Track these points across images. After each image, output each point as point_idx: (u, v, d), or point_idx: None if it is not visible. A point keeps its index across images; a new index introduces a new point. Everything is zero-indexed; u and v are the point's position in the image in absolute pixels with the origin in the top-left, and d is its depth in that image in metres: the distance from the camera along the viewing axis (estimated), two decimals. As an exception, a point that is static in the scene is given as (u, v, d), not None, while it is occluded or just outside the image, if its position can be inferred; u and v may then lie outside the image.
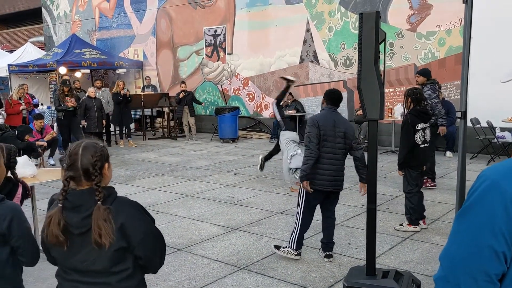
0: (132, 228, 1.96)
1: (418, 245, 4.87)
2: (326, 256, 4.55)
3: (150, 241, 2.03)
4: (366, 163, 3.33)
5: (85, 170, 1.95)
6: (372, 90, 2.86)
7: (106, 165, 2.02)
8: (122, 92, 11.76)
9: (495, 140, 8.81)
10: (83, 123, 10.88)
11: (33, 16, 24.09)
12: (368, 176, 3.00)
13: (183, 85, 12.72)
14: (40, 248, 2.61)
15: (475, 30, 9.99)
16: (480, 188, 1.22)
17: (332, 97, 4.49)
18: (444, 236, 5.09)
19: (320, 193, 4.39)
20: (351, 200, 6.59)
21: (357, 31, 10.52)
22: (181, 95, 12.53)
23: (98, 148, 1.99)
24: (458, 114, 2.72)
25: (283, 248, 4.56)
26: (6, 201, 2.29)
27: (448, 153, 9.74)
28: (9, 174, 3.09)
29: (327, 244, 4.58)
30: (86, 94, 11.31)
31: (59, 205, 1.96)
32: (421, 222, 5.36)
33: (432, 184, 7.25)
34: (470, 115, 9.26)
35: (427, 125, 5.37)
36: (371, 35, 2.83)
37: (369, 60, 2.85)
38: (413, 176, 5.28)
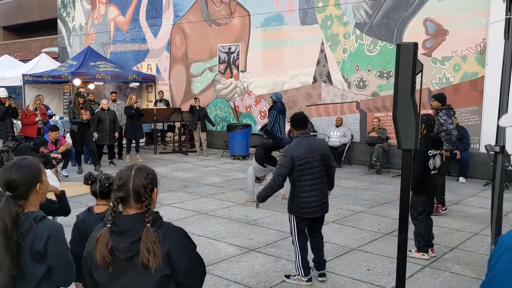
0: (179, 255, 1.96)
1: (438, 273, 4.82)
2: (320, 275, 4.64)
3: (194, 269, 2.03)
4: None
5: (136, 191, 1.97)
6: (408, 120, 2.87)
7: (155, 189, 2.04)
8: (135, 105, 11.82)
9: (510, 167, 8.76)
10: (95, 135, 10.92)
11: (47, 27, 24.40)
12: (401, 206, 2.99)
13: (195, 99, 12.96)
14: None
15: (494, 58, 10.03)
16: (502, 260, 1.21)
17: (299, 122, 4.56)
18: (463, 265, 5.05)
19: (310, 219, 4.52)
20: (366, 224, 6.56)
21: (371, 54, 10.57)
22: (193, 102, 12.73)
23: (150, 172, 2.03)
24: (497, 149, 2.73)
25: (293, 276, 4.60)
26: (46, 219, 2.28)
27: (461, 179, 9.69)
28: None
29: (319, 263, 4.68)
30: (100, 106, 11.37)
31: (108, 225, 1.96)
32: (429, 250, 5.31)
33: (443, 208, 7.20)
34: (485, 142, 9.30)
35: (438, 151, 5.38)
36: (409, 66, 2.85)
37: (406, 90, 2.86)
38: (420, 202, 5.25)
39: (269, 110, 10.33)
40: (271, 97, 10.62)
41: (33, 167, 2.27)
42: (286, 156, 4.36)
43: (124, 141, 12.38)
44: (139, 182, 1.99)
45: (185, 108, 14.27)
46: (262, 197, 4.60)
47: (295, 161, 4.33)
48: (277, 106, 10.10)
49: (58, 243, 2.25)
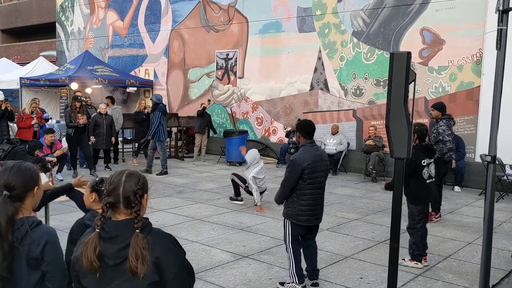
0: (168, 262, 1.95)
1: (431, 283, 4.81)
2: (313, 285, 4.61)
3: (183, 276, 2.01)
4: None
5: (126, 197, 1.97)
6: (401, 129, 2.87)
7: (145, 195, 2.04)
8: (146, 111, 11.86)
9: (505, 177, 8.78)
10: (92, 139, 10.90)
11: (45, 31, 24.42)
12: (393, 215, 2.99)
13: (208, 101, 13.30)
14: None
15: (490, 68, 10.05)
16: None
17: (309, 130, 4.42)
18: (456, 275, 5.04)
19: (305, 227, 4.51)
20: (360, 232, 6.55)
21: (368, 62, 10.62)
22: (206, 104, 12.95)
23: (141, 177, 2.04)
24: (488, 158, 2.74)
25: (287, 284, 4.58)
26: (42, 225, 2.27)
27: (456, 188, 9.71)
28: None
29: (313, 272, 4.65)
30: (98, 111, 11.35)
31: (97, 230, 1.95)
32: (422, 259, 5.30)
33: (436, 216, 7.19)
34: (480, 151, 9.31)
35: (432, 160, 5.39)
36: (402, 75, 2.85)
37: (399, 99, 2.87)
38: (418, 211, 5.25)
39: (152, 111, 11.01)
40: (151, 99, 11.38)
41: (32, 170, 2.29)
42: (295, 167, 4.26)
43: (119, 146, 12.38)
44: (129, 188, 1.98)
45: (182, 113, 14.31)
46: (279, 201, 4.59)
47: (304, 170, 4.24)
48: (160, 107, 10.75)
49: (54, 248, 2.23)
